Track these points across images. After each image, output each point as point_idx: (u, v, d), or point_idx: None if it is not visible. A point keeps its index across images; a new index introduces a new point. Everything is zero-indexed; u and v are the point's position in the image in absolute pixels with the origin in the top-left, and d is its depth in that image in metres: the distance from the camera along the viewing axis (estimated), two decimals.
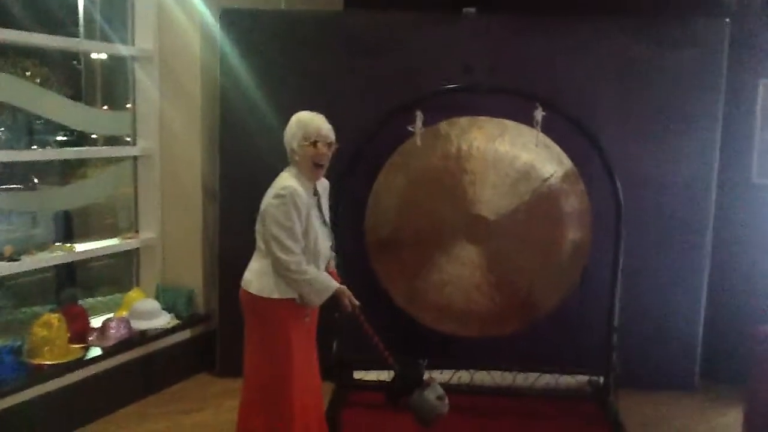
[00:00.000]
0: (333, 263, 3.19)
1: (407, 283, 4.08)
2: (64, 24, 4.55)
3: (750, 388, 3.55)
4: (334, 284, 2.97)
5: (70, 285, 5.49)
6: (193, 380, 4.47)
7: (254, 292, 2.91)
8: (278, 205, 2.81)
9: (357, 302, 3.07)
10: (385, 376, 4.11)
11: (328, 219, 3.08)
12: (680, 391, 4.39)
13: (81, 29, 4.58)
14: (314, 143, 2.89)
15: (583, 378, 4.13)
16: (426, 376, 3.20)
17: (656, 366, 4.40)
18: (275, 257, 2.83)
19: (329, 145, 2.94)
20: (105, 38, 4.53)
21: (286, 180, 2.89)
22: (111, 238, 4.50)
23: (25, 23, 4.03)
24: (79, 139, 5.05)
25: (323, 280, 2.94)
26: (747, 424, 3.58)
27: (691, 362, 4.44)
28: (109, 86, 5.26)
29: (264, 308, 2.92)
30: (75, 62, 5.26)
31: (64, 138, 5.43)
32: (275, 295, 2.89)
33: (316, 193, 3.01)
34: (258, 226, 2.94)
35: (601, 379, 3.97)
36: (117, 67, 4.84)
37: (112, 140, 4.87)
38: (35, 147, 5.16)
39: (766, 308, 4.20)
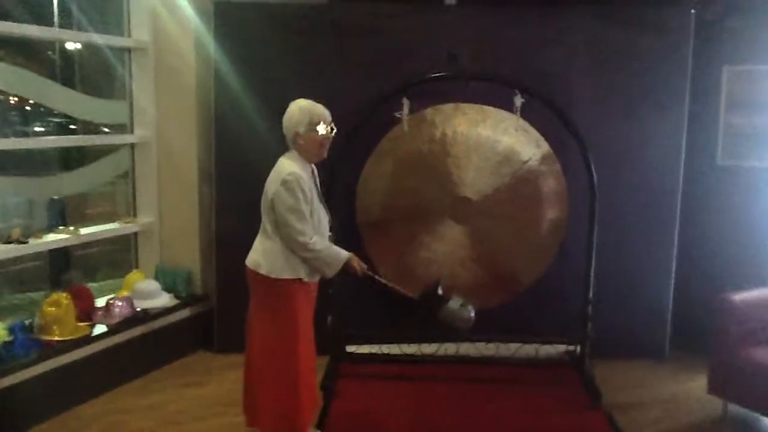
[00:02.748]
0: (331, 239, 3.36)
1: (396, 260, 4.29)
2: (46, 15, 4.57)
3: (713, 350, 3.79)
4: (345, 254, 3.19)
5: (66, 271, 5.64)
6: (192, 357, 4.64)
7: (265, 273, 3.09)
8: (287, 191, 3.00)
9: (364, 265, 3.32)
10: (376, 349, 4.37)
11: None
12: (652, 359, 4.62)
13: (73, 20, 4.63)
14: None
15: (561, 347, 4.39)
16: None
17: (629, 336, 4.62)
18: (290, 240, 3.03)
19: (332, 128, 3.16)
20: (83, 28, 4.54)
21: (289, 166, 3.06)
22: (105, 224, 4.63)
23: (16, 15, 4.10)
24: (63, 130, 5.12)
25: (335, 252, 3.16)
26: (710, 386, 3.81)
27: (662, 333, 4.67)
28: (86, 76, 5.32)
29: (275, 288, 3.10)
30: (50, 52, 5.28)
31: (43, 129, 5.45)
32: (285, 276, 3.08)
33: (314, 173, 3.22)
34: (264, 209, 3.11)
35: (578, 348, 4.25)
36: (92, 57, 4.87)
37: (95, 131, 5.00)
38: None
39: (730, 280, 4.41)
